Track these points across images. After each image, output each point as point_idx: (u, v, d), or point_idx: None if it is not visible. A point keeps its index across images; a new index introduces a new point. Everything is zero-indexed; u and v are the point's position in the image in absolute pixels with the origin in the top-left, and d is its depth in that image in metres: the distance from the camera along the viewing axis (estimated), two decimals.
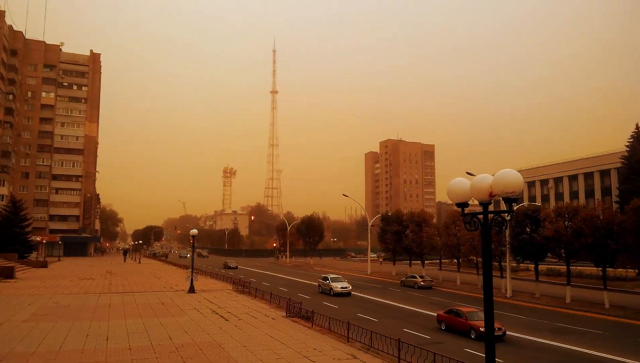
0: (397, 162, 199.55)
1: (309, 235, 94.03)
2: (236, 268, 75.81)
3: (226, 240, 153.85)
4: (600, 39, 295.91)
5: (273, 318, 26.22)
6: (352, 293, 43.97)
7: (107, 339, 20.24)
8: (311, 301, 36.58)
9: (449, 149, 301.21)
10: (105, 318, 25.80)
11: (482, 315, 24.00)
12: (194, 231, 41.89)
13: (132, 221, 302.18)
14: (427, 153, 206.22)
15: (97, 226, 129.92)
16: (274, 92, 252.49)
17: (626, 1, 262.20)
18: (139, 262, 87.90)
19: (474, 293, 44.02)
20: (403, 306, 36.32)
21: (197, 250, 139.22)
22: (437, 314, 27.84)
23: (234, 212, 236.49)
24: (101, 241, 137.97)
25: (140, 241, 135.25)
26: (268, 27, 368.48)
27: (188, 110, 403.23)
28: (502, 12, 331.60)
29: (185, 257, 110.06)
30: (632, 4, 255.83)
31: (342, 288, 40.97)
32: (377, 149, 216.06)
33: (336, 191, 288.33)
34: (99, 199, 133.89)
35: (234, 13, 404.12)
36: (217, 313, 27.73)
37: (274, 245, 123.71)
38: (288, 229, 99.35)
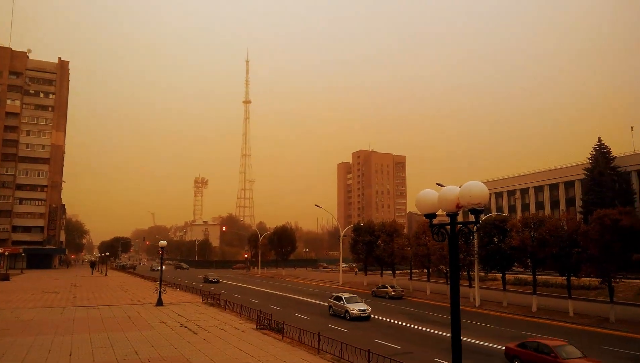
0: (369, 173, 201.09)
1: (281, 246, 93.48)
2: (218, 282, 69.58)
3: (197, 251, 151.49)
4: (580, 49, 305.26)
5: (243, 331, 25.89)
6: (323, 303, 43.82)
7: (70, 354, 19.59)
8: (283, 312, 36.32)
9: (420, 161, 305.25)
10: (69, 332, 24.97)
11: (574, 350, 19.81)
12: (163, 243, 41.12)
13: (99, 232, 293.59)
14: (398, 164, 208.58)
15: (63, 237, 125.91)
16: (246, 102, 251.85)
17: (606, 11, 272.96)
18: (105, 275, 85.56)
19: (444, 303, 44.50)
20: (374, 316, 36.37)
21: (177, 262, 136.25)
22: (507, 347, 22.03)
23: (205, 223, 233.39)
24: (66, 253, 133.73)
25: (107, 253, 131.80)
26: (244, 37, 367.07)
27: (159, 119, 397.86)
28: (478, 27, 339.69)
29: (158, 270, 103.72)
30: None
31: (360, 311, 34.31)
32: (349, 160, 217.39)
33: (309, 202, 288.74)
34: (64, 209, 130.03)
35: (212, 22, 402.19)
36: (185, 327, 27.19)
37: (246, 255, 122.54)
38: (260, 240, 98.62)
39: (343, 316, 34.92)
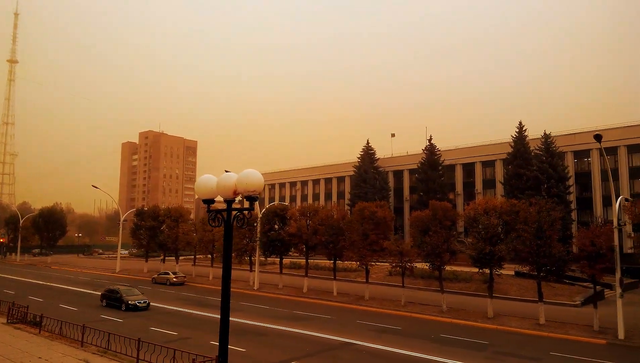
0: (158, 155, 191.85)
1: (48, 230, 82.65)
2: (147, 306, 32.53)
3: None
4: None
5: None
6: (96, 292, 40.66)
7: None
8: (45, 304, 32.41)
9: (213, 147, 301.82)
10: None
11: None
12: None
13: None
14: (189, 149, 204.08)
15: None
16: (12, 61, 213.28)
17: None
18: None
19: None
20: (153, 304, 35.19)
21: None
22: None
23: None
24: None
25: None
26: None
27: None
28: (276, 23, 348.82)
29: None
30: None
31: None
32: (136, 139, 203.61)
33: (86, 182, 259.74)
34: None
35: None
36: None
37: (1, 240, 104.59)
38: (21, 222, 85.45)
39: None
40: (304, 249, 42.63)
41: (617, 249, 26.27)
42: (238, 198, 9.52)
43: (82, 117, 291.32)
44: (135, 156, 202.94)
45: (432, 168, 63.46)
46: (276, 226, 44.78)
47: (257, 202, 9.56)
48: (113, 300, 33.12)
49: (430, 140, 65.07)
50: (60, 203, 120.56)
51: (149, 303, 32.95)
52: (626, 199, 31.71)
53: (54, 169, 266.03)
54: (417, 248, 33.90)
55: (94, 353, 17.16)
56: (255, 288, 44.85)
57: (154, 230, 58.68)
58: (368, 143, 71.87)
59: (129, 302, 32.05)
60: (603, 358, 21.52)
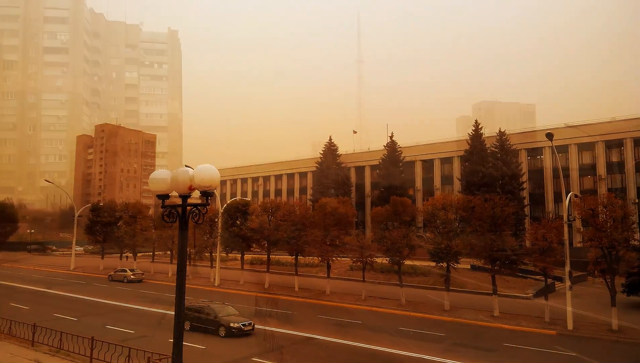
0: (115, 149, 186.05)
1: None
2: (252, 330, 25.02)
3: None
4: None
5: None
6: (49, 291, 39.34)
7: None
8: None
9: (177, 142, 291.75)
10: None
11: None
12: None
13: None
14: (149, 143, 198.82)
15: None
16: None
17: None
18: None
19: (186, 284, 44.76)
20: (109, 302, 34.44)
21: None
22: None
23: None
24: None
25: None
26: None
27: None
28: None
29: None
30: None
31: None
32: (91, 132, 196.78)
33: (38, 176, 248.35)
34: None
35: None
36: None
37: None
38: None
39: None
40: (266, 245, 42.45)
41: (567, 243, 27.46)
42: (197, 194, 9.41)
43: (33, 107, 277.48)
44: (91, 150, 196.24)
45: (393, 164, 64.36)
46: (238, 222, 44.40)
47: (212, 197, 9.44)
48: (204, 322, 24.80)
49: (391, 137, 65.94)
50: (11, 198, 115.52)
51: (254, 325, 24.82)
52: (576, 196, 33.17)
53: (2, 163, 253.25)
54: (377, 243, 34.35)
55: (45, 353, 16.59)
56: (216, 284, 44.33)
57: (111, 225, 57.10)
58: (330, 139, 72.32)
59: (232, 325, 23.79)
60: (553, 348, 22.46)
